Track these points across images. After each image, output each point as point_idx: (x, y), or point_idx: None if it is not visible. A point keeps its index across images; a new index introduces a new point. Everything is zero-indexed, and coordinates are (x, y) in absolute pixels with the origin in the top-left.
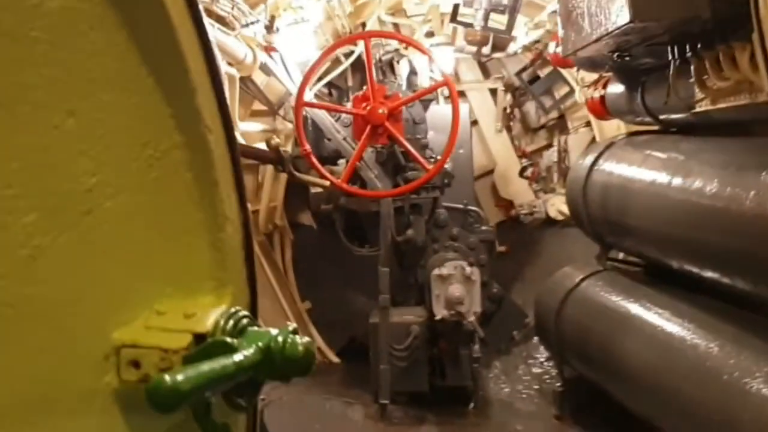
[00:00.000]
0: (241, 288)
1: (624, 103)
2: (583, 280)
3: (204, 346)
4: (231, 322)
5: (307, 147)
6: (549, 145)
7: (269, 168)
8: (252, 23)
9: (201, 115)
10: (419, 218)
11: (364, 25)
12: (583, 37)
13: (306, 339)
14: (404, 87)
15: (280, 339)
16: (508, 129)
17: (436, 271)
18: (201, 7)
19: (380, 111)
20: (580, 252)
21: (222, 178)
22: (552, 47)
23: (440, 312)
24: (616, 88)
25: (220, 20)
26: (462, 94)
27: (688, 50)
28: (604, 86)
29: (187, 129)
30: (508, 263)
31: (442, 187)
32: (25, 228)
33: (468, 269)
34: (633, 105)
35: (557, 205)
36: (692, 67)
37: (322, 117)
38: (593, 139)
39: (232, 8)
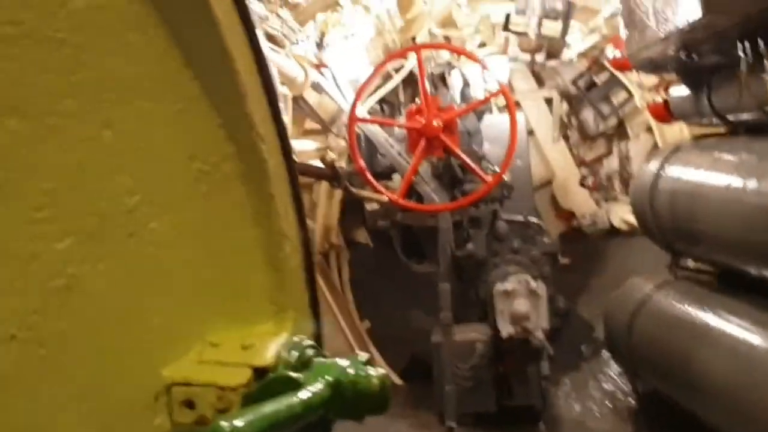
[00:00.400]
0: (303, 313)
1: (689, 105)
2: (654, 290)
3: (266, 382)
4: (295, 353)
5: (362, 163)
6: (608, 153)
7: (323, 186)
8: (302, 41)
9: (252, 122)
10: (479, 232)
11: (414, 39)
12: (649, 36)
13: (381, 371)
14: (457, 100)
15: (351, 371)
16: (566, 138)
17: (499, 287)
18: (248, 3)
19: (435, 123)
20: (647, 261)
21: (278, 191)
22: (610, 51)
23: (506, 329)
24: (680, 91)
25: (270, 39)
26: (517, 104)
27: (761, 45)
28: (667, 89)
29: (237, 138)
30: (572, 276)
31: (501, 199)
32: (59, 255)
33: (533, 283)
34: (699, 107)
35: (621, 214)
36: (766, 63)
37: (376, 132)
38: (655, 145)
39: (282, 26)
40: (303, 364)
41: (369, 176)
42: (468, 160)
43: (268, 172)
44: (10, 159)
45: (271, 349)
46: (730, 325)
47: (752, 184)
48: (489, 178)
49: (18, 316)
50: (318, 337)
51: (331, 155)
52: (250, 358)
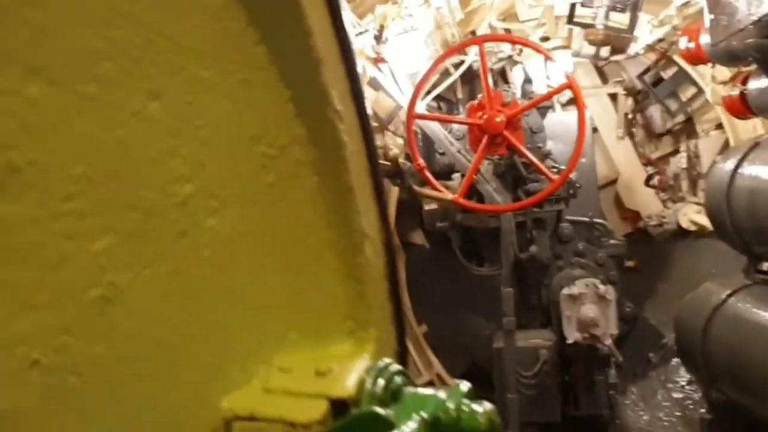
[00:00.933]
0: (386, 331)
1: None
2: (730, 295)
3: (348, 420)
4: (381, 382)
5: (421, 161)
6: (675, 151)
7: None
8: (360, 33)
9: (329, 97)
10: (543, 233)
11: (474, 33)
12: (739, 19)
13: (488, 406)
14: (519, 95)
15: (451, 406)
16: (631, 135)
17: (566, 291)
18: None
19: (498, 119)
20: (717, 265)
21: (358, 182)
22: (683, 43)
23: (572, 335)
24: (760, 83)
25: None
26: None
27: None
28: (745, 81)
29: (311, 117)
30: (638, 279)
31: (567, 198)
32: (95, 259)
33: (602, 287)
34: None
35: (689, 215)
36: None
37: (435, 129)
38: (726, 143)
39: None
40: (391, 396)
41: (428, 175)
42: (533, 158)
43: (347, 159)
44: (32, 135)
45: (351, 377)
46: None
47: None
48: (555, 177)
49: (43, 336)
50: (403, 359)
51: (395, 151)
52: (327, 388)
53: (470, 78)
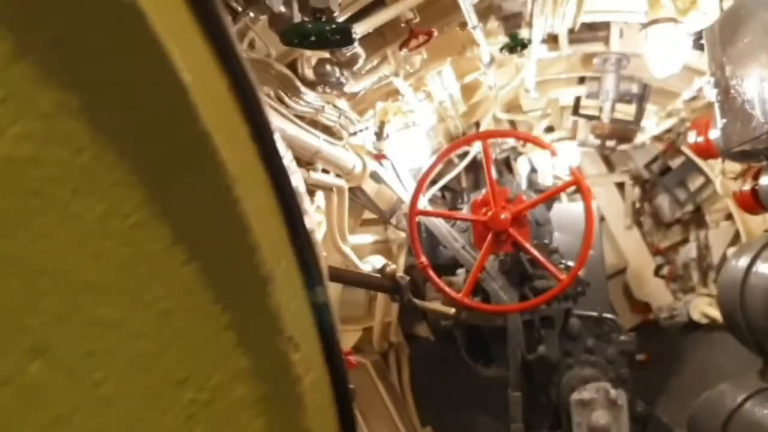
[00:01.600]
0: None
1: None
2: (746, 400)
3: None
4: None
5: (423, 259)
6: (685, 240)
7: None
8: (360, 131)
9: (280, 321)
10: (551, 332)
11: (477, 124)
12: (755, 127)
13: None
14: (524, 186)
15: None
16: (639, 225)
17: (575, 396)
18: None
19: (503, 216)
20: (731, 358)
21: (317, 424)
22: (692, 137)
23: None
24: None
25: (327, 130)
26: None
27: None
28: (755, 176)
29: (256, 346)
30: (649, 374)
31: (576, 296)
32: None
33: (613, 392)
34: None
35: (700, 307)
36: None
37: (438, 224)
38: (737, 234)
39: (339, 117)
40: None
41: (432, 274)
42: (539, 257)
43: (302, 395)
44: None
45: None
46: None
47: None
48: (563, 276)
49: None
50: None
51: (392, 266)
52: None
53: (475, 167)
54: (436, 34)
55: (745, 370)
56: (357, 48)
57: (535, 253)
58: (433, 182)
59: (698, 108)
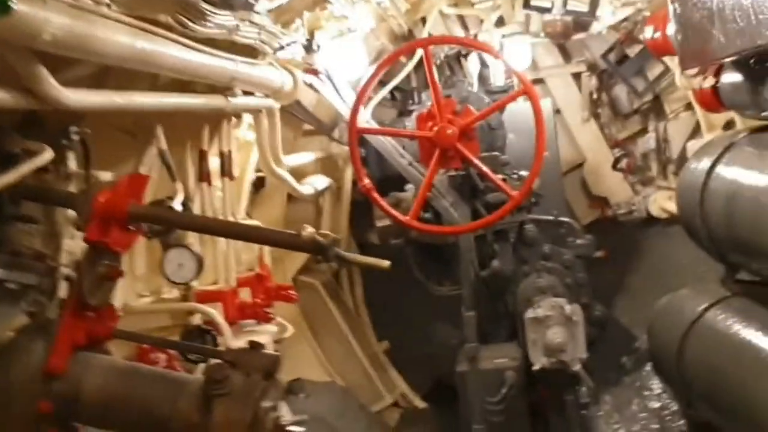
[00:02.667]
0: None
1: (746, 94)
2: (707, 309)
3: None
4: None
5: (367, 182)
6: (643, 131)
7: (328, 196)
8: (288, 45)
9: None
10: (505, 245)
11: (424, 20)
12: (715, 48)
13: None
14: (475, 86)
15: None
16: (596, 117)
17: (530, 313)
18: None
19: (449, 132)
20: (691, 255)
21: None
22: (648, 32)
23: (539, 360)
24: (734, 77)
25: (247, 50)
26: (541, 81)
27: None
28: (716, 74)
29: None
30: (608, 272)
31: (529, 207)
32: None
33: (568, 308)
34: (758, 98)
35: (659, 202)
36: None
37: (382, 140)
38: (697, 126)
39: (259, 33)
40: None
41: (376, 196)
42: (489, 173)
43: None
44: None
45: None
46: None
47: None
48: (514, 192)
49: None
50: None
51: (309, 229)
52: None
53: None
54: None
55: (706, 266)
56: None
57: (485, 169)
58: (382, 83)
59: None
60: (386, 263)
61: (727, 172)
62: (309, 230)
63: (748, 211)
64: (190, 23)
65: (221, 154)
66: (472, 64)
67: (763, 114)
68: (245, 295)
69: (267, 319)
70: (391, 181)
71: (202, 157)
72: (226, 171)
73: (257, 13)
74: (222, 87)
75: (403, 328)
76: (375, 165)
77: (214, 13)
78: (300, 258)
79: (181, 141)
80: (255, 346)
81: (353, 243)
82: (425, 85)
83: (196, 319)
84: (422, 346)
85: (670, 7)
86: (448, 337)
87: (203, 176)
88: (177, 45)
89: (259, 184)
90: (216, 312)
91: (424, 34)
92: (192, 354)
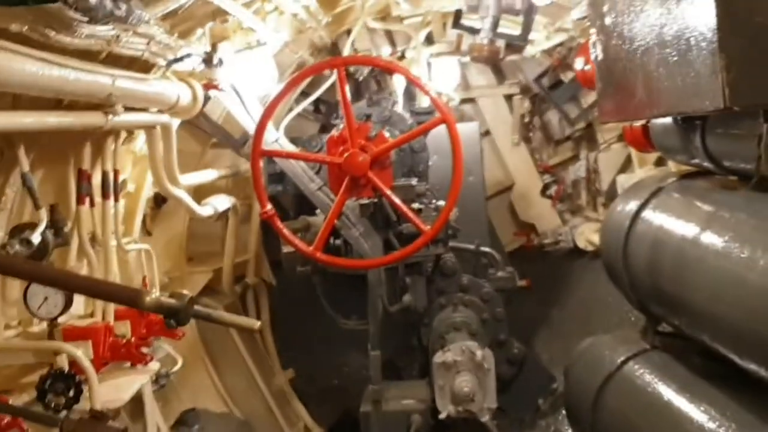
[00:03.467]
0: None
1: (675, 139)
2: (626, 361)
3: None
4: None
5: (269, 209)
6: (575, 157)
7: (232, 217)
8: (182, 58)
9: None
10: (418, 279)
11: (349, 32)
12: (636, 106)
13: None
14: (400, 104)
15: None
16: (527, 140)
17: (438, 357)
18: None
19: (360, 159)
20: (615, 293)
21: None
22: (579, 64)
23: (445, 408)
24: (665, 120)
25: (136, 62)
26: (472, 101)
27: None
28: None
29: None
30: (530, 302)
31: (446, 240)
32: None
33: (479, 354)
34: (688, 144)
35: (586, 234)
36: None
37: (291, 162)
38: (628, 158)
39: (148, 44)
40: None
41: (279, 225)
42: (402, 206)
43: None
44: None
45: None
46: (718, 423)
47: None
48: (427, 227)
49: None
50: None
51: (152, 295)
52: None
53: (352, 76)
54: None
55: (630, 306)
56: None
57: (397, 201)
58: (305, 93)
59: (588, 29)
60: (257, 324)
61: (653, 218)
62: (154, 295)
63: (671, 262)
64: (51, 34)
65: (103, 174)
66: (398, 80)
67: (693, 161)
68: (125, 329)
69: (143, 361)
70: (301, 202)
71: (81, 176)
72: (106, 191)
73: (144, 22)
74: (97, 104)
75: (310, 356)
76: (285, 183)
77: (83, 23)
78: (202, 278)
79: (60, 159)
80: (98, 416)
81: (266, 261)
82: (353, 98)
83: (63, 359)
84: (330, 376)
85: (591, 51)
86: (358, 367)
87: (81, 198)
88: (31, 59)
89: (161, 199)
90: (83, 353)
91: (347, 49)
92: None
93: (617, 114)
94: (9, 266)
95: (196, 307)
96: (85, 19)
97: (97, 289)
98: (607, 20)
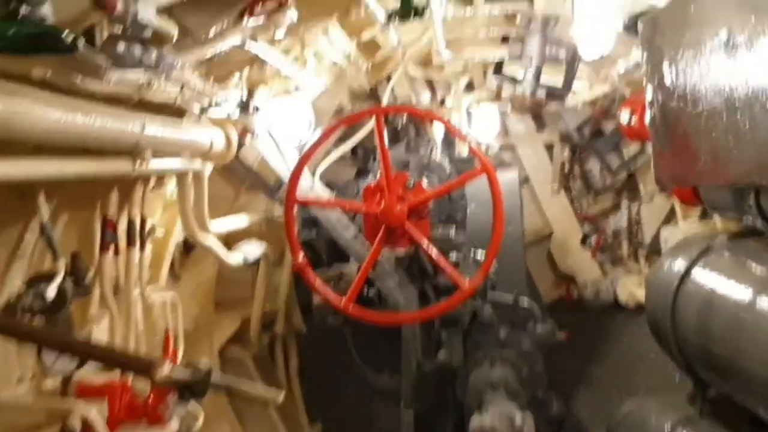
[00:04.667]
0: None
1: (727, 196)
2: (673, 429)
3: None
4: None
5: (301, 258)
6: (616, 207)
7: (265, 261)
8: (218, 103)
9: None
10: (454, 334)
11: (389, 78)
12: (699, 173)
13: None
14: (439, 152)
15: None
16: (567, 189)
17: (475, 421)
18: None
19: (398, 209)
20: (658, 350)
21: None
22: (626, 116)
23: None
24: None
25: (165, 108)
26: (511, 147)
27: None
28: None
29: None
30: (568, 356)
31: (484, 292)
32: None
33: (518, 419)
34: (741, 203)
35: (628, 287)
36: None
37: (326, 210)
38: (672, 211)
39: (181, 89)
40: None
41: (310, 277)
42: (440, 260)
43: None
44: None
45: None
46: None
47: None
48: (465, 283)
49: None
50: None
51: (165, 368)
52: None
53: (390, 120)
54: None
55: (672, 365)
56: (153, 20)
57: (434, 253)
58: (342, 139)
59: (635, 80)
60: (280, 397)
61: (704, 278)
62: (166, 369)
63: (724, 325)
64: (77, 80)
65: (129, 220)
66: (437, 127)
67: (745, 219)
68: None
69: (160, 421)
70: (335, 249)
71: (106, 224)
72: (132, 238)
73: (175, 68)
74: (126, 152)
75: (340, 410)
76: (322, 231)
77: (110, 69)
78: (230, 325)
79: (85, 205)
80: None
81: (296, 308)
82: (391, 143)
83: (76, 419)
84: (362, 429)
85: (648, 112)
86: (389, 424)
87: (105, 245)
88: (52, 106)
89: (191, 244)
90: (97, 412)
91: (386, 96)
92: None
93: (676, 180)
94: (16, 330)
95: (213, 377)
96: (113, 65)
97: (109, 358)
98: (667, 78)
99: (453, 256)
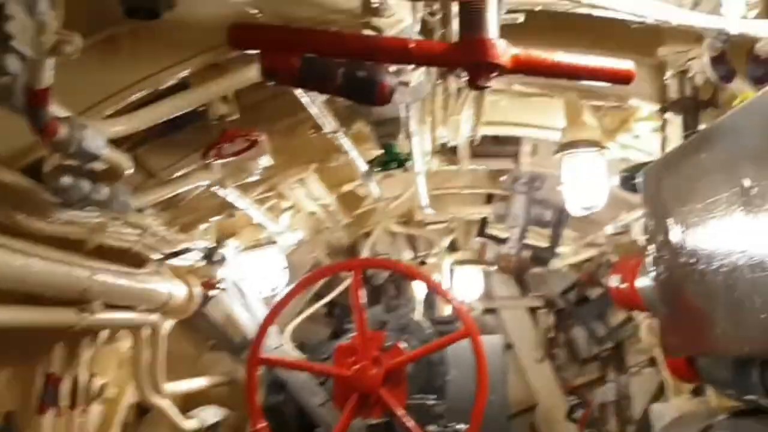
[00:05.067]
0: None
1: (728, 372)
2: None
3: None
4: None
5: (262, 426)
6: (602, 378)
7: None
8: (180, 252)
9: None
10: None
11: (368, 234)
12: (715, 340)
13: None
14: (419, 312)
15: None
16: (551, 357)
17: None
18: None
19: (372, 373)
20: None
21: None
22: (615, 281)
23: None
24: None
25: (123, 255)
26: (494, 311)
27: None
28: None
29: None
30: None
31: None
32: None
33: None
34: (745, 379)
35: None
36: None
37: (294, 372)
38: (661, 386)
39: (140, 234)
40: None
41: None
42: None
43: None
44: None
45: None
46: None
47: None
48: None
49: None
50: None
51: None
52: None
53: (369, 278)
54: (262, 138)
55: None
56: (104, 150)
57: (411, 425)
58: (318, 296)
59: (623, 244)
60: None
61: None
62: None
63: None
64: (19, 217)
65: (74, 380)
66: (418, 286)
67: (746, 397)
68: None
69: None
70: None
71: (48, 381)
72: (76, 400)
73: (135, 211)
74: (71, 300)
75: None
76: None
77: (58, 206)
78: None
79: (25, 359)
80: None
81: None
82: (369, 302)
83: None
84: None
85: (651, 274)
86: None
87: (43, 406)
88: None
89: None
90: None
91: (365, 252)
92: None
93: (687, 347)
94: None
95: None
96: (59, 201)
97: None
98: (674, 236)
99: (431, 429)
